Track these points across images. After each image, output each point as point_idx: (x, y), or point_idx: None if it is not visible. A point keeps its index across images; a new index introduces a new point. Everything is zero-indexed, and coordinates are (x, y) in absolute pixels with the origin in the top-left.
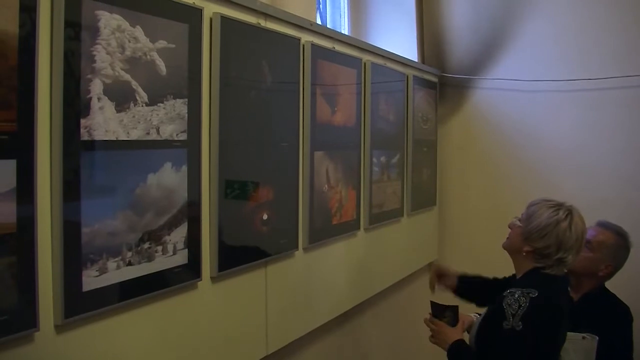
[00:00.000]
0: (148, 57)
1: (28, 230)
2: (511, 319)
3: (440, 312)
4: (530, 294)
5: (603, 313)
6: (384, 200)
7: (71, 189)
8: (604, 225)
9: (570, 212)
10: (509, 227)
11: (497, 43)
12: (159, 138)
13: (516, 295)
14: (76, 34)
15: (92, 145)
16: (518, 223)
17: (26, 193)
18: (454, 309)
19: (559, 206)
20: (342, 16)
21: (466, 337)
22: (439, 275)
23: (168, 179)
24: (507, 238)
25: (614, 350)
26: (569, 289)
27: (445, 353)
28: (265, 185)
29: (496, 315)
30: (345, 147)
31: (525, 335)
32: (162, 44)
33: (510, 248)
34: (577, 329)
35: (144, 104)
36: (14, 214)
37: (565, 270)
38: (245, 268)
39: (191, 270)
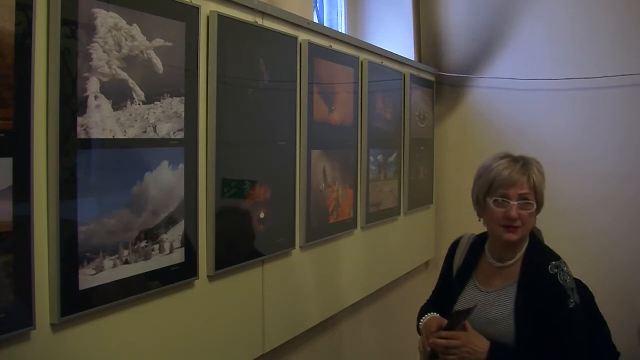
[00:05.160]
0: (145, 55)
1: (24, 228)
2: (572, 295)
3: (458, 320)
4: (561, 264)
5: None
6: (380, 199)
7: (68, 187)
8: None
9: (534, 159)
10: (517, 217)
11: (494, 42)
12: (155, 136)
13: (565, 269)
14: (73, 32)
15: (88, 143)
16: (530, 208)
17: (22, 191)
18: (473, 309)
19: (524, 159)
20: (339, 15)
21: None
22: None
23: (165, 177)
24: (520, 227)
25: None
26: None
27: None
28: (262, 183)
29: (555, 298)
30: (343, 145)
31: (581, 306)
32: (159, 42)
33: (528, 233)
34: None
35: (140, 102)
36: (10, 213)
37: None
38: (242, 266)
39: (188, 268)
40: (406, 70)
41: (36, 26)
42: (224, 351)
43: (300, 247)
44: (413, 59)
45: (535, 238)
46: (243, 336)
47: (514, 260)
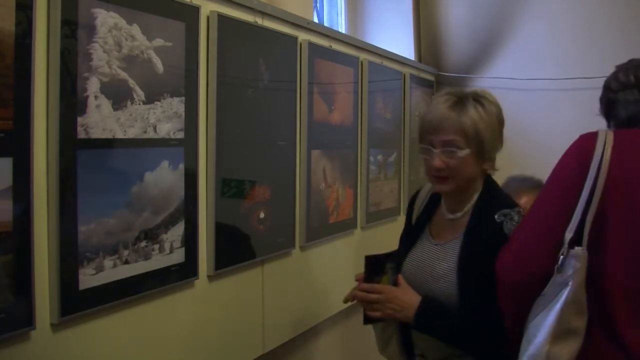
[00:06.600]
0: (145, 55)
1: (24, 228)
2: None
3: (379, 267)
4: (513, 212)
5: None
6: (380, 199)
7: (68, 187)
8: (526, 189)
9: (476, 94)
10: (442, 167)
11: (494, 42)
12: (156, 136)
13: (516, 218)
14: (73, 32)
15: (88, 143)
16: (454, 156)
17: (22, 191)
18: (391, 255)
19: (470, 96)
20: (339, 14)
21: None
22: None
23: (165, 177)
24: (450, 177)
25: None
26: None
27: (411, 322)
28: (262, 183)
29: (497, 249)
30: (343, 145)
31: None
32: (159, 42)
33: (464, 182)
34: None
35: (140, 103)
36: (10, 213)
37: None
38: (242, 266)
39: (188, 268)
40: (406, 70)
41: (36, 26)
42: (224, 351)
43: (300, 247)
44: (413, 59)
45: (490, 185)
46: (243, 336)
47: (463, 211)
